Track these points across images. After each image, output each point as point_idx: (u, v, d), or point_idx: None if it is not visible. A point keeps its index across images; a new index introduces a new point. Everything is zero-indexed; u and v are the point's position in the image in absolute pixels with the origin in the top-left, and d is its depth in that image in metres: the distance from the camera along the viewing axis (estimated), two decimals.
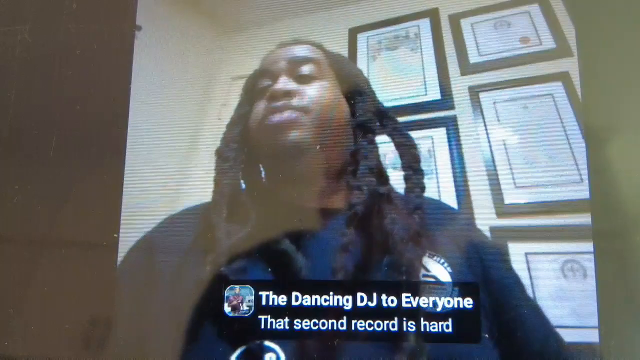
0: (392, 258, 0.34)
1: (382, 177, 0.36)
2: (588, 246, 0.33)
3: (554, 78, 0.36)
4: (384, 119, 0.37)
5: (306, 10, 0.39)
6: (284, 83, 0.37)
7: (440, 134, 0.36)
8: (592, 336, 0.32)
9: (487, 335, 0.33)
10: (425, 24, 0.38)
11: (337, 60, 0.39)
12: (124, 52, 0.39)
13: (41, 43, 0.39)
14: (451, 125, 0.36)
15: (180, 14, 0.40)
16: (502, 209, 0.34)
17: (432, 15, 0.38)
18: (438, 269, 0.34)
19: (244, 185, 0.37)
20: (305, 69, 0.38)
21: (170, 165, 0.37)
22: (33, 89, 0.38)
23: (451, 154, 0.36)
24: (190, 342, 0.34)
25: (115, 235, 0.36)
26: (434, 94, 0.37)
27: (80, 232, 0.36)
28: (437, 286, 0.33)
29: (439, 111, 0.37)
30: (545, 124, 0.35)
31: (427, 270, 0.34)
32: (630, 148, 0.35)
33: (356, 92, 0.38)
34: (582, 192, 0.34)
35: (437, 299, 0.33)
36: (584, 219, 0.34)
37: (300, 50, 0.39)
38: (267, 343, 0.33)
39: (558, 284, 0.33)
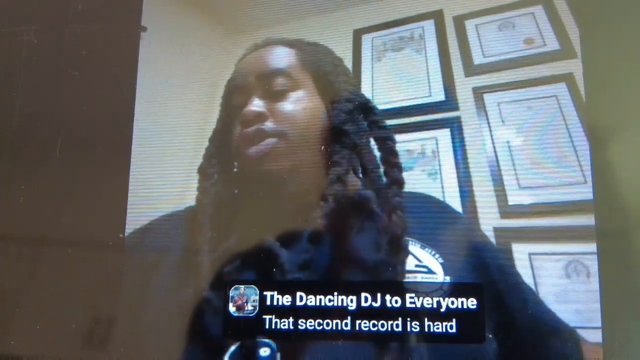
0: (379, 252, 0.34)
1: (366, 177, 0.35)
2: (592, 247, 0.33)
3: (558, 79, 0.36)
4: (367, 114, 0.36)
5: (311, 11, 0.39)
6: (256, 105, 0.37)
7: (444, 135, 0.36)
8: (596, 337, 0.32)
9: (490, 336, 0.33)
10: (429, 25, 0.38)
11: (313, 58, 0.38)
12: (129, 52, 0.39)
13: (47, 44, 0.39)
14: (455, 127, 0.36)
15: (185, 15, 0.40)
16: (506, 210, 0.34)
17: (437, 16, 0.38)
18: (429, 259, 0.34)
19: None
20: (277, 83, 0.37)
21: (175, 166, 0.37)
22: (39, 90, 0.39)
23: (455, 155, 0.36)
24: (195, 342, 0.34)
25: (121, 235, 0.36)
26: (438, 95, 0.37)
27: (86, 232, 0.36)
28: (429, 277, 0.33)
29: (443, 112, 0.37)
30: (549, 125, 0.35)
31: (419, 260, 0.34)
32: (634, 149, 0.35)
33: (335, 91, 0.37)
34: (585, 193, 0.34)
35: (440, 298, 0.33)
36: (588, 219, 0.34)
37: (271, 59, 0.38)
38: (260, 339, 0.33)
39: (562, 285, 0.33)
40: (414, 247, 0.34)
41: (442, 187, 0.35)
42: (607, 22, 0.36)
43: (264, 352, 0.33)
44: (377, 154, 0.36)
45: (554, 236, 0.34)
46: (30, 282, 0.36)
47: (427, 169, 0.36)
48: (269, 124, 0.36)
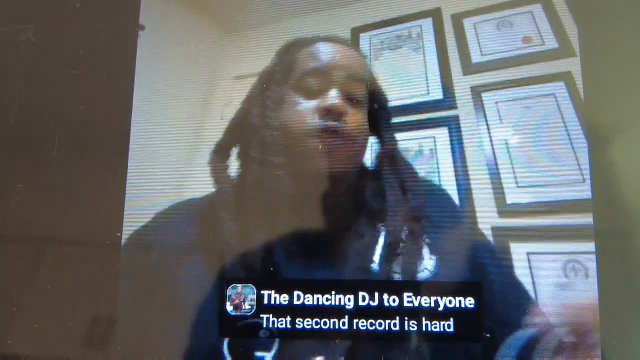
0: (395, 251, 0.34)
1: (402, 190, 0.36)
2: (590, 246, 0.33)
3: (556, 78, 0.36)
4: (387, 121, 0.37)
5: (309, 9, 0.39)
6: (339, 99, 0.36)
7: (442, 133, 0.36)
8: (594, 336, 0.32)
9: (488, 335, 0.33)
10: (427, 23, 0.38)
11: (373, 74, 0.38)
12: (127, 51, 0.39)
13: (45, 42, 0.39)
14: (453, 125, 0.36)
15: (183, 13, 0.40)
16: (504, 209, 0.34)
17: (435, 14, 0.38)
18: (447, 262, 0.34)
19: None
20: (357, 91, 0.37)
21: (173, 165, 0.37)
22: (37, 88, 0.39)
23: (453, 154, 0.36)
24: (193, 341, 0.34)
25: (118, 234, 0.36)
26: (436, 94, 0.37)
27: (83, 231, 0.36)
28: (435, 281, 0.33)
29: (441, 111, 0.37)
30: (547, 124, 0.35)
31: (436, 262, 0.34)
32: (633, 148, 0.35)
33: (373, 99, 0.37)
34: (584, 192, 0.34)
35: (438, 298, 0.33)
36: (586, 219, 0.34)
37: (353, 62, 0.38)
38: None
39: (560, 284, 0.33)
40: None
41: (440, 186, 0.35)
42: (605, 20, 0.36)
43: (264, 333, 0.33)
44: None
45: (553, 235, 0.34)
46: (27, 280, 0.36)
47: (425, 167, 0.36)
48: (346, 123, 0.36)
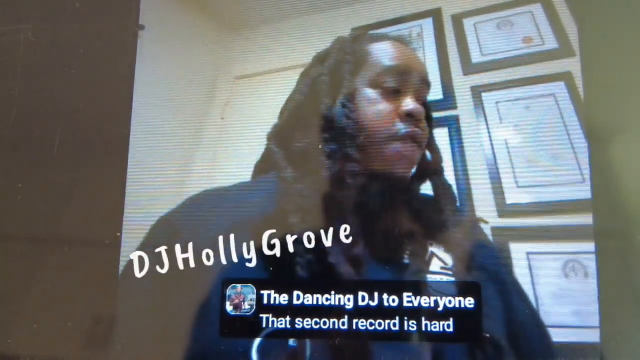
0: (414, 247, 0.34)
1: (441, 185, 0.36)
2: (590, 246, 0.33)
3: (556, 78, 0.36)
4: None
5: (310, 9, 0.39)
6: (418, 103, 0.36)
7: (442, 133, 0.36)
8: (594, 336, 0.32)
9: (487, 335, 0.33)
10: (427, 23, 0.38)
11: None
12: (127, 51, 0.39)
13: (44, 42, 0.39)
14: (453, 125, 0.36)
15: (183, 13, 0.40)
16: (504, 209, 0.34)
17: (435, 14, 0.38)
18: (450, 262, 0.34)
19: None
20: (426, 95, 0.37)
21: (173, 164, 0.37)
22: (36, 88, 0.39)
23: (453, 154, 0.36)
24: (193, 341, 0.34)
25: (118, 233, 0.36)
26: (436, 94, 0.37)
27: (83, 231, 0.36)
28: (447, 278, 0.33)
29: (441, 111, 0.37)
30: (547, 124, 0.35)
31: (445, 263, 0.34)
32: (632, 148, 0.35)
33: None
34: (584, 192, 0.34)
35: (438, 298, 0.33)
36: (586, 219, 0.34)
37: (425, 69, 0.37)
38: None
39: (559, 284, 0.33)
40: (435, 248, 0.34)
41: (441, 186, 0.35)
42: (605, 20, 0.36)
43: (292, 340, 0.33)
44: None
45: (552, 235, 0.34)
46: (26, 280, 0.36)
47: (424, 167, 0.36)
48: (419, 130, 0.36)
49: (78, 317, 0.35)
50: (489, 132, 0.36)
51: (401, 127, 0.36)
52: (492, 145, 0.36)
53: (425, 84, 0.37)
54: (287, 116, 0.37)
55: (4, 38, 0.39)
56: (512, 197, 0.35)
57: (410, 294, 0.33)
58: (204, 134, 0.38)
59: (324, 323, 0.33)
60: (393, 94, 0.36)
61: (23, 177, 0.37)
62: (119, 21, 0.39)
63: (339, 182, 0.35)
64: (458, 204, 0.35)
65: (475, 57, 0.37)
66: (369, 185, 0.35)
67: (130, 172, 0.37)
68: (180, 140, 0.38)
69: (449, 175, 0.35)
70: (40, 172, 0.37)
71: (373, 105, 0.36)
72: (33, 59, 0.39)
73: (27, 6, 0.40)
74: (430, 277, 0.34)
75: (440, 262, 0.34)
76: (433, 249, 0.34)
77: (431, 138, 0.36)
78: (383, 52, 0.37)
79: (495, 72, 0.37)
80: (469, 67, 0.37)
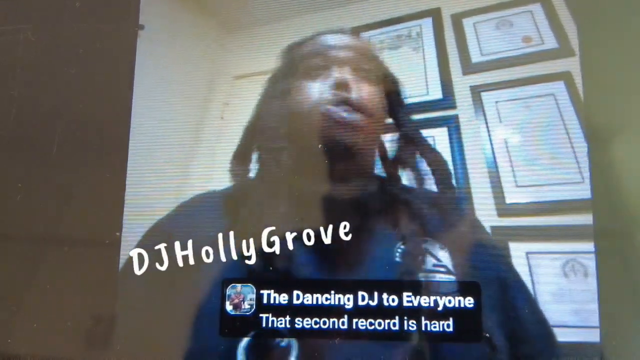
0: (405, 245, 0.34)
1: (415, 174, 0.35)
2: (589, 246, 0.33)
3: (556, 78, 0.36)
4: (405, 115, 0.36)
5: (309, 9, 0.39)
6: (350, 74, 0.36)
7: (441, 133, 0.36)
8: (594, 336, 0.32)
9: (487, 335, 0.33)
10: (427, 23, 0.38)
11: (380, 57, 0.38)
12: (126, 51, 0.39)
13: (44, 42, 0.39)
14: (453, 125, 0.36)
15: (183, 13, 0.40)
16: (503, 209, 0.34)
17: (435, 14, 0.38)
18: (447, 260, 0.34)
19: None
20: (366, 66, 0.37)
21: (172, 164, 0.37)
22: (36, 88, 0.39)
23: (452, 154, 0.36)
24: (192, 340, 0.34)
25: (118, 233, 0.36)
26: (436, 94, 0.37)
27: (82, 230, 0.36)
28: (445, 277, 0.33)
29: (440, 111, 0.37)
30: (546, 124, 0.35)
31: (438, 260, 0.34)
32: (632, 148, 0.35)
33: (390, 88, 0.37)
34: (583, 191, 0.34)
35: (438, 298, 0.33)
36: (586, 218, 0.34)
37: (361, 43, 0.38)
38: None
39: (559, 284, 0.33)
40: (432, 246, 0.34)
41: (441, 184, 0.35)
42: (605, 20, 0.36)
43: (282, 341, 0.33)
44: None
45: (552, 235, 0.34)
46: (26, 280, 0.36)
47: (424, 167, 0.36)
48: (358, 99, 0.36)
49: (78, 317, 0.35)
50: (488, 131, 0.36)
51: (330, 95, 0.36)
52: (491, 145, 0.35)
53: (359, 54, 0.37)
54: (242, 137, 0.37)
55: (3, 38, 0.39)
56: (512, 196, 0.35)
57: (409, 293, 0.33)
58: (203, 134, 0.38)
59: (324, 323, 0.33)
60: (322, 74, 0.36)
61: (23, 177, 0.37)
62: (119, 21, 0.39)
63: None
64: (457, 202, 0.35)
65: (475, 56, 0.37)
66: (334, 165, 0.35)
67: (130, 171, 0.37)
68: (179, 139, 0.38)
69: (449, 174, 0.35)
70: (40, 171, 0.37)
71: (302, 91, 0.37)
72: (32, 59, 0.39)
73: (27, 6, 0.40)
74: (424, 276, 0.34)
75: (434, 260, 0.34)
76: (428, 246, 0.34)
77: (395, 112, 0.36)
78: (310, 45, 0.38)
79: (494, 72, 0.36)
80: (468, 67, 0.37)
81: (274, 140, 0.36)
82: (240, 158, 0.37)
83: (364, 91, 0.36)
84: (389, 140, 0.36)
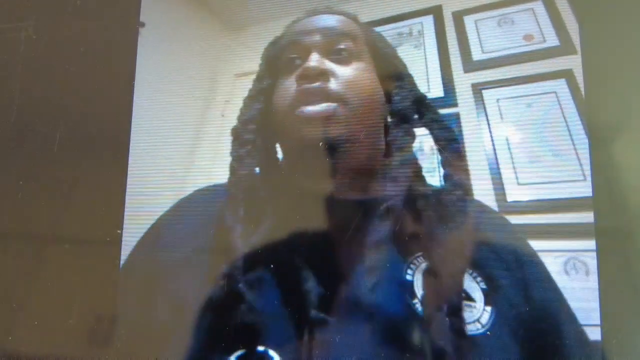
0: (431, 277, 0.32)
1: (417, 173, 0.34)
2: (591, 244, 0.33)
3: (557, 75, 0.36)
4: (423, 108, 0.34)
5: (310, 7, 0.39)
6: (318, 61, 0.33)
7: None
8: (595, 334, 0.32)
9: (489, 333, 0.33)
10: (428, 21, 0.38)
11: (372, 36, 0.35)
12: (127, 48, 0.39)
13: (45, 40, 0.39)
14: (454, 123, 0.36)
15: (183, 11, 0.40)
16: (505, 206, 0.34)
17: (436, 12, 0.38)
18: (478, 294, 0.32)
19: (258, 170, 0.35)
20: (342, 46, 0.34)
21: (173, 162, 0.37)
22: (37, 86, 0.39)
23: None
24: (194, 340, 0.34)
25: (119, 231, 0.36)
26: (437, 91, 0.37)
27: (83, 228, 0.36)
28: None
29: (442, 108, 0.37)
30: (548, 122, 0.35)
31: (471, 300, 0.33)
32: (634, 146, 0.35)
33: (393, 76, 0.35)
34: (585, 189, 0.34)
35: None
36: (587, 216, 0.33)
37: (335, 22, 0.35)
38: (262, 348, 0.32)
39: (560, 282, 0.33)
40: None
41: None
42: (607, 17, 0.36)
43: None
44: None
45: (553, 233, 0.34)
46: (27, 278, 0.36)
47: (425, 164, 0.36)
48: (332, 84, 0.33)
49: (79, 315, 0.35)
50: (490, 129, 0.36)
51: (302, 87, 0.34)
52: (493, 142, 0.35)
53: (335, 34, 0.34)
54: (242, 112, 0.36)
55: (5, 35, 0.39)
56: (513, 194, 0.35)
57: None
58: (204, 132, 0.38)
59: None
60: (297, 67, 0.34)
61: (24, 175, 0.37)
62: (120, 19, 0.39)
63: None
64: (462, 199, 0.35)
65: (476, 54, 0.37)
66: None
67: (131, 169, 0.37)
68: (180, 137, 0.38)
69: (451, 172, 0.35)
70: (41, 170, 0.37)
71: (280, 88, 0.35)
72: (34, 57, 0.39)
73: (28, 4, 0.40)
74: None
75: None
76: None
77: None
78: (286, 40, 0.36)
79: (496, 70, 0.36)
80: (470, 65, 0.37)
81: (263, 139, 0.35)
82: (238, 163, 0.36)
83: (341, 75, 0.33)
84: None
